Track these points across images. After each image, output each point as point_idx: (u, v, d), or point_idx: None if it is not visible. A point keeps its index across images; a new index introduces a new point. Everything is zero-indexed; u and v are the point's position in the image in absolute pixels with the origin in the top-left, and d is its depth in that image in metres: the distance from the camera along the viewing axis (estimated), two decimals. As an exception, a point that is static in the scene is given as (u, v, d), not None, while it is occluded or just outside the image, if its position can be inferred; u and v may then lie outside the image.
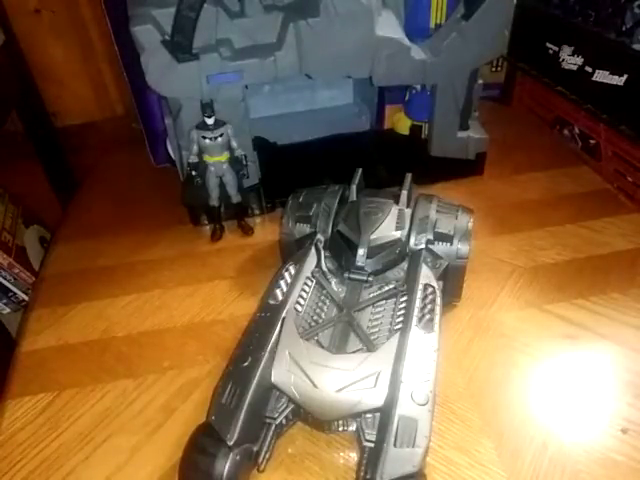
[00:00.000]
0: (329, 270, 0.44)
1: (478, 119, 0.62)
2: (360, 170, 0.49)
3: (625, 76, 0.57)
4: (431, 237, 0.43)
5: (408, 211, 0.45)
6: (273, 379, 0.35)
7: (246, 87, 0.52)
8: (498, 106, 0.79)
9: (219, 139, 0.52)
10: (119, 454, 0.39)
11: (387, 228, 0.43)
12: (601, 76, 0.60)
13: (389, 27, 0.52)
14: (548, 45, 0.68)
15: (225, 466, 0.31)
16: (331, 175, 0.57)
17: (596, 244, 0.54)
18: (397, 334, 0.37)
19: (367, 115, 0.71)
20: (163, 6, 0.47)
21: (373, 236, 0.42)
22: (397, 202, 0.46)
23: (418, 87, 0.61)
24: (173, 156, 0.59)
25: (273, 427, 0.36)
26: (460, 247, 0.43)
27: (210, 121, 0.51)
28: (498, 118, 0.71)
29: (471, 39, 0.52)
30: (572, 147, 0.70)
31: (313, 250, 0.44)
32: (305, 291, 0.41)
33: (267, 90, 0.69)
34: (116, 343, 0.48)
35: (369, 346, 0.37)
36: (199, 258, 0.57)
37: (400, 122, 0.66)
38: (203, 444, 0.33)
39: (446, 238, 0.43)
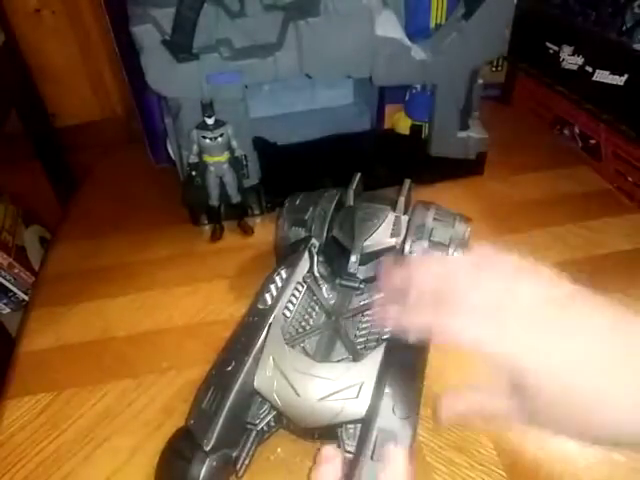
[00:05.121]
0: (321, 275, 0.43)
1: (478, 119, 0.62)
2: (359, 175, 0.48)
3: (625, 76, 0.57)
4: (426, 246, 0.42)
5: (405, 218, 0.44)
6: (256, 385, 0.35)
7: (246, 87, 0.52)
8: (498, 106, 0.79)
9: (219, 139, 0.52)
10: (119, 454, 0.39)
11: (382, 235, 0.43)
12: (601, 76, 0.60)
13: (389, 27, 0.52)
14: (548, 45, 0.68)
15: (201, 471, 0.31)
16: (331, 175, 0.57)
17: (596, 244, 0.54)
18: (384, 344, 0.36)
19: (367, 115, 0.71)
20: (163, 6, 0.47)
21: (367, 243, 0.42)
22: (394, 208, 0.45)
23: (418, 87, 0.61)
24: (173, 156, 0.59)
25: (254, 433, 0.36)
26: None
27: (210, 121, 0.51)
28: (498, 118, 0.70)
29: (471, 39, 0.52)
30: (572, 147, 0.70)
31: (306, 255, 0.43)
32: (295, 296, 0.40)
33: (267, 90, 0.69)
34: (116, 343, 0.48)
35: (354, 355, 0.37)
36: (199, 258, 0.57)
37: (400, 122, 0.66)
38: (180, 448, 0.32)
39: (441, 247, 0.42)
